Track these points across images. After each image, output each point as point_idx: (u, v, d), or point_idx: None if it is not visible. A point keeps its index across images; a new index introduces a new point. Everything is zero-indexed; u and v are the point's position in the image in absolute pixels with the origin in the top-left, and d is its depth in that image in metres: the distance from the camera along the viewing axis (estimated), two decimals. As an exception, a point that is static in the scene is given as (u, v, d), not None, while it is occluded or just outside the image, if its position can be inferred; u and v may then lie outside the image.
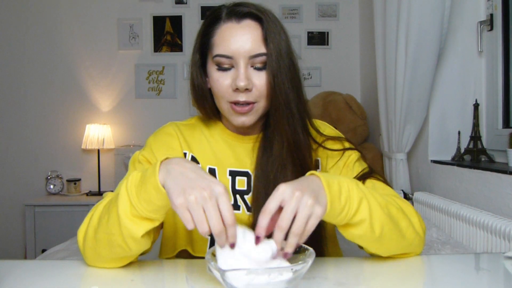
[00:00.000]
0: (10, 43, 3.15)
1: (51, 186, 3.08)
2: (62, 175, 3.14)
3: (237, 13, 0.81)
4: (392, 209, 0.73)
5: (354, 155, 0.89)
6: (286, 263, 0.61)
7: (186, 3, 3.19)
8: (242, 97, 0.80)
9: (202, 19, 3.18)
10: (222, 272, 0.56)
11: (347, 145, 0.91)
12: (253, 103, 0.81)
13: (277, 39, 0.81)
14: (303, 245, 0.66)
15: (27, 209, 2.87)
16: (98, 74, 3.20)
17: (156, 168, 0.64)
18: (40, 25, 3.16)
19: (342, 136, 0.94)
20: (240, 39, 0.80)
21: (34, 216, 2.86)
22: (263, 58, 0.80)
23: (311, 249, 0.63)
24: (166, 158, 0.66)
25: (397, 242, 0.74)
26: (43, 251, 2.63)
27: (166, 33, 3.20)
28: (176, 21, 3.20)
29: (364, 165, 0.89)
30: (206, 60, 0.86)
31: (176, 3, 3.19)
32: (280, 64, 0.80)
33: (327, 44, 3.18)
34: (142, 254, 0.76)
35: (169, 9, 3.19)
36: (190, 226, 0.59)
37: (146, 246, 0.71)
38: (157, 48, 3.21)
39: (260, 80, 0.81)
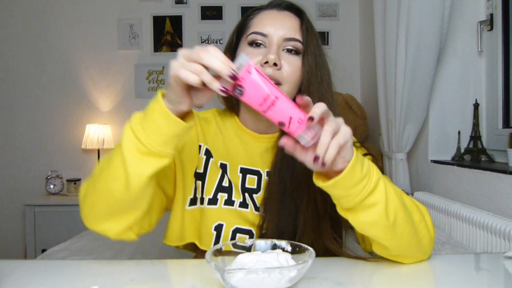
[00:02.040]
0: (10, 43, 3.15)
1: (51, 186, 3.08)
2: (62, 175, 3.14)
3: (280, 4, 0.87)
4: (406, 200, 0.72)
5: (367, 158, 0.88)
6: (286, 263, 0.61)
7: (186, 3, 3.19)
8: (268, 71, 0.79)
9: (202, 19, 3.19)
10: (222, 272, 0.57)
11: (357, 145, 0.88)
12: (278, 84, 0.80)
13: (315, 36, 0.84)
14: (303, 245, 0.66)
15: (27, 209, 2.87)
16: (98, 74, 3.20)
17: (158, 96, 0.64)
18: (40, 25, 3.16)
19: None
20: (277, 22, 0.83)
21: (34, 216, 2.86)
22: (297, 43, 0.82)
23: (311, 249, 0.64)
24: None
25: (409, 235, 0.69)
26: (43, 251, 2.63)
27: (166, 33, 3.21)
28: (176, 21, 3.20)
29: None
30: (238, 45, 0.88)
31: (176, 3, 3.19)
32: (316, 60, 0.82)
33: (327, 44, 3.18)
34: (142, 232, 0.77)
35: (169, 9, 3.19)
36: (193, 78, 0.59)
37: (147, 198, 0.71)
38: (157, 48, 3.21)
39: (289, 64, 0.81)
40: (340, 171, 0.62)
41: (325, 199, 0.79)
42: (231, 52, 0.88)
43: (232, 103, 0.90)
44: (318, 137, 0.59)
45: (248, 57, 0.61)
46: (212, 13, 3.19)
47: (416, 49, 1.76)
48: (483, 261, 0.87)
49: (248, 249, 0.69)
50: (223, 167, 0.87)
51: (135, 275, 0.71)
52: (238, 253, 0.66)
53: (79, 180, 3.11)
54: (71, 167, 3.18)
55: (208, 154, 0.88)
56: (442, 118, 1.90)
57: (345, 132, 0.61)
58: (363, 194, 0.63)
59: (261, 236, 0.82)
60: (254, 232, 0.84)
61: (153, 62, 3.20)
